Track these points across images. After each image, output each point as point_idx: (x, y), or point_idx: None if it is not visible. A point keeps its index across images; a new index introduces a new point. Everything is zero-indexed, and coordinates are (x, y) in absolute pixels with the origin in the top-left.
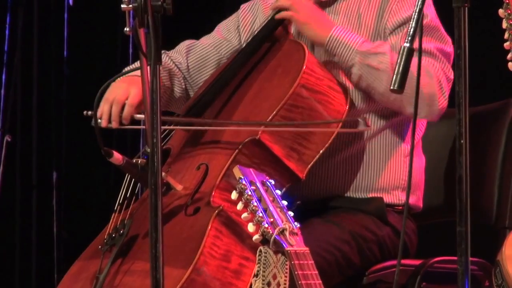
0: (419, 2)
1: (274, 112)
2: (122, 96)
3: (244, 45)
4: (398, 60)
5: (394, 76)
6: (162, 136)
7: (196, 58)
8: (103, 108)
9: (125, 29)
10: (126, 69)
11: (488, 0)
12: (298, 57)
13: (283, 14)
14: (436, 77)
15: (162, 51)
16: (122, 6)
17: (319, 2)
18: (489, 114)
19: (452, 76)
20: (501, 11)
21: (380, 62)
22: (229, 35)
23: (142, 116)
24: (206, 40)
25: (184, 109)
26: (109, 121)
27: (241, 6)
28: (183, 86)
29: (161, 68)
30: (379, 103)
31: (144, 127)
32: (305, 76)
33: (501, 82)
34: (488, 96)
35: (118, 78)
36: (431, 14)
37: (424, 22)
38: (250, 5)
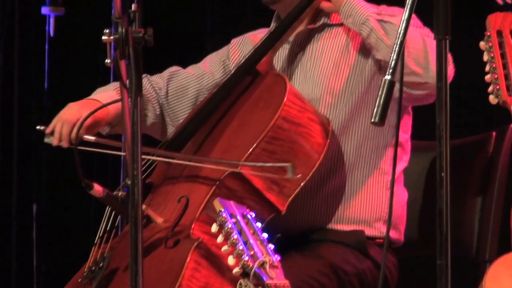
0: (400, 35)
1: (255, 145)
2: (73, 116)
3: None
4: (379, 93)
5: (375, 108)
6: (143, 169)
7: (177, 86)
8: (54, 126)
9: (106, 60)
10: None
11: (470, 33)
12: (279, 90)
13: None
14: (428, 40)
15: (144, 75)
16: (103, 37)
17: (307, 30)
18: (470, 147)
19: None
20: (482, 44)
21: (396, 20)
22: (214, 68)
23: (92, 138)
24: (191, 70)
25: (166, 141)
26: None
27: (232, 40)
28: (157, 112)
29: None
30: (382, 58)
31: (120, 153)
32: (286, 108)
33: (483, 115)
34: (469, 129)
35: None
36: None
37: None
38: (241, 40)
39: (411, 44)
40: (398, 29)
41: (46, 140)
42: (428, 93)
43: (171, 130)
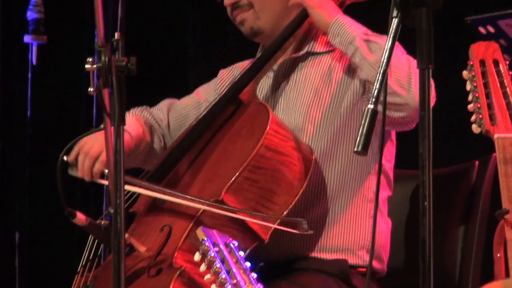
0: (383, 64)
1: (237, 174)
2: (96, 150)
3: None
4: (362, 122)
5: (358, 137)
6: (125, 198)
7: (177, 116)
8: (78, 157)
9: (89, 89)
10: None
11: (453, 62)
12: (262, 119)
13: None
14: (413, 67)
15: (144, 107)
16: (86, 66)
17: (291, 59)
18: (453, 176)
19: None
20: (465, 73)
21: (382, 40)
22: (209, 97)
23: None
24: (186, 100)
25: (149, 172)
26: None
27: (220, 71)
28: (162, 144)
29: (143, 123)
30: (366, 77)
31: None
32: (268, 137)
33: (466, 144)
34: (452, 158)
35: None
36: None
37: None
38: (229, 70)
39: (395, 64)
40: (383, 49)
41: (70, 172)
42: (408, 116)
43: None
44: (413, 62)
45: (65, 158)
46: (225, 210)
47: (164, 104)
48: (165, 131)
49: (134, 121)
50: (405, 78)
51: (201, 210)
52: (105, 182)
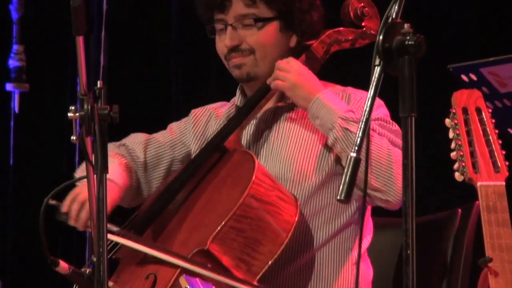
0: (366, 112)
1: (223, 223)
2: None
3: (196, 151)
4: (345, 170)
5: (341, 186)
6: (109, 248)
7: (153, 154)
8: (71, 207)
9: (71, 137)
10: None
11: (435, 110)
12: (247, 168)
13: (273, 85)
14: None
15: (120, 144)
16: (69, 114)
17: (275, 108)
18: (436, 224)
19: None
20: (447, 121)
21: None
22: (183, 137)
23: (111, 227)
24: (161, 137)
25: (133, 218)
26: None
27: (192, 111)
28: (135, 183)
29: (121, 160)
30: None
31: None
32: (254, 186)
33: (448, 192)
34: (435, 206)
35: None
36: (389, 117)
37: (392, 127)
38: (203, 111)
39: (375, 158)
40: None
41: (59, 218)
42: (391, 206)
43: (144, 196)
44: (395, 150)
45: (52, 202)
46: (204, 269)
47: (140, 139)
48: (140, 168)
49: (121, 170)
50: (386, 173)
51: (186, 259)
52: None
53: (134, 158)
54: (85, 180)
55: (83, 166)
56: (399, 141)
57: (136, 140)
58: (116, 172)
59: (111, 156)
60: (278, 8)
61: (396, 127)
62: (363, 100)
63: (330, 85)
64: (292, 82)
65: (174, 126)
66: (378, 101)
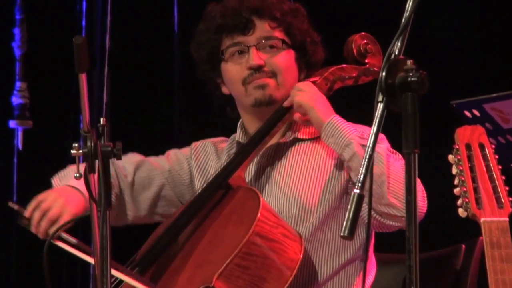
0: (369, 149)
1: (229, 260)
2: (55, 212)
3: (199, 183)
4: (349, 207)
5: (345, 222)
6: (112, 286)
7: (144, 176)
8: (34, 214)
9: (75, 174)
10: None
11: (438, 146)
12: (252, 205)
13: (294, 101)
14: (420, 187)
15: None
16: (72, 151)
17: (277, 144)
18: (439, 259)
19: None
20: (450, 157)
21: (379, 147)
22: (178, 166)
23: (72, 240)
24: (156, 162)
25: (138, 255)
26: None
27: (193, 143)
28: (117, 202)
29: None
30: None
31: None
32: (259, 224)
33: (452, 228)
34: (438, 242)
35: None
36: (387, 147)
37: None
38: (203, 144)
39: (393, 176)
40: (383, 159)
41: (21, 223)
42: (400, 226)
43: (130, 217)
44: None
45: (14, 206)
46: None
47: (134, 159)
48: (125, 187)
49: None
50: (402, 190)
51: None
52: (63, 245)
53: (120, 176)
54: (54, 186)
55: (61, 172)
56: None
57: (129, 159)
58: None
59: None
60: (294, 37)
61: (400, 156)
62: (365, 135)
63: None
64: (312, 100)
65: (172, 153)
66: (380, 135)
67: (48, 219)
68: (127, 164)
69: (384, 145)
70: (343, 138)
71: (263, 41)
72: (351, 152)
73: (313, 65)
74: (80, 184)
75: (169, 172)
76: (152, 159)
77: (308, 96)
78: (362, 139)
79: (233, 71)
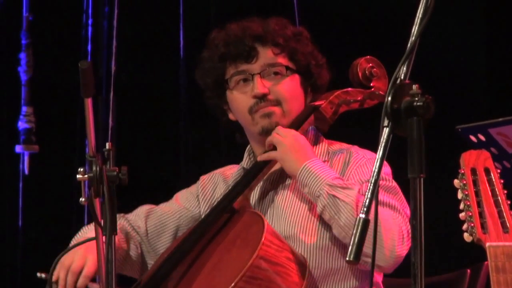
0: (375, 174)
1: (233, 284)
2: (78, 264)
3: (203, 215)
4: (354, 231)
5: (350, 247)
6: None
7: (155, 223)
8: (59, 274)
9: (80, 199)
10: (78, 236)
11: (444, 171)
12: (257, 229)
13: (263, 156)
14: (399, 227)
15: (121, 215)
16: (78, 176)
17: (281, 170)
18: (445, 284)
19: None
20: (456, 182)
21: (347, 195)
22: (188, 204)
23: (97, 285)
24: (165, 207)
25: (141, 282)
26: None
27: (201, 177)
28: (139, 251)
29: (119, 230)
30: (338, 235)
31: None
32: (264, 247)
33: (457, 252)
34: (443, 266)
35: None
36: (389, 175)
37: (387, 183)
38: (210, 176)
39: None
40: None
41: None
42: (383, 271)
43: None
44: (383, 213)
45: (42, 276)
46: None
47: (142, 211)
48: (142, 238)
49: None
50: (395, 240)
51: None
52: None
53: (135, 228)
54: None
55: (83, 230)
56: (391, 201)
57: (137, 212)
58: None
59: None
60: (299, 62)
61: (392, 183)
62: (364, 159)
63: (335, 143)
64: (284, 148)
65: (179, 195)
66: (358, 173)
67: (72, 272)
68: (137, 217)
69: (355, 189)
70: (315, 189)
71: (267, 69)
72: (322, 205)
73: (319, 88)
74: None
75: (180, 213)
76: (161, 206)
77: (283, 142)
78: (332, 187)
79: (238, 100)
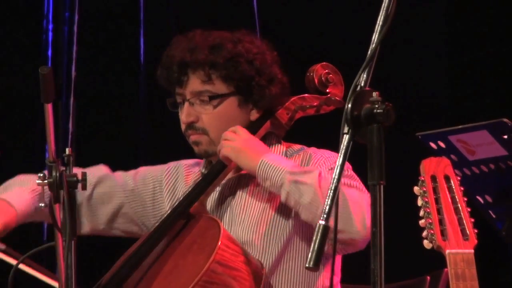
0: (335, 180)
1: None
2: None
3: (166, 207)
4: (314, 238)
5: (310, 253)
6: None
7: (103, 192)
8: None
9: (40, 204)
10: None
11: (404, 178)
12: (213, 234)
13: (220, 156)
14: (366, 201)
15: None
16: (38, 181)
17: (239, 176)
18: None
19: None
20: (416, 189)
21: (309, 177)
22: (142, 187)
23: (2, 245)
24: (121, 178)
25: (99, 285)
26: None
27: (168, 163)
28: None
29: (32, 188)
30: (306, 219)
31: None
32: (220, 252)
33: (417, 259)
34: (403, 273)
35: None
36: (350, 169)
37: (348, 173)
38: (175, 167)
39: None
40: (313, 187)
41: None
42: (358, 245)
43: (87, 226)
44: (349, 191)
45: None
46: None
47: (97, 174)
48: (83, 198)
49: (27, 197)
50: (343, 214)
51: None
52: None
53: None
54: None
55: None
56: (354, 183)
57: (94, 172)
58: (19, 196)
59: (31, 180)
60: (236, 84)
61: (350, 172)
62: (323, 158)
63: (292, 145)
64: (236, 150)
65: (141, 171)
66: (314, 158)
67: None
68: (90, 176)
69: (315, 172)
70: (276, 180)
71: (194, 97)
72: (285, 192)
73: (266, 105)
74: (13, 198)
75: (131, 191)
76: (119, 175)
77: (233, 145)
78: (292, 174)
79: (180, 119)
